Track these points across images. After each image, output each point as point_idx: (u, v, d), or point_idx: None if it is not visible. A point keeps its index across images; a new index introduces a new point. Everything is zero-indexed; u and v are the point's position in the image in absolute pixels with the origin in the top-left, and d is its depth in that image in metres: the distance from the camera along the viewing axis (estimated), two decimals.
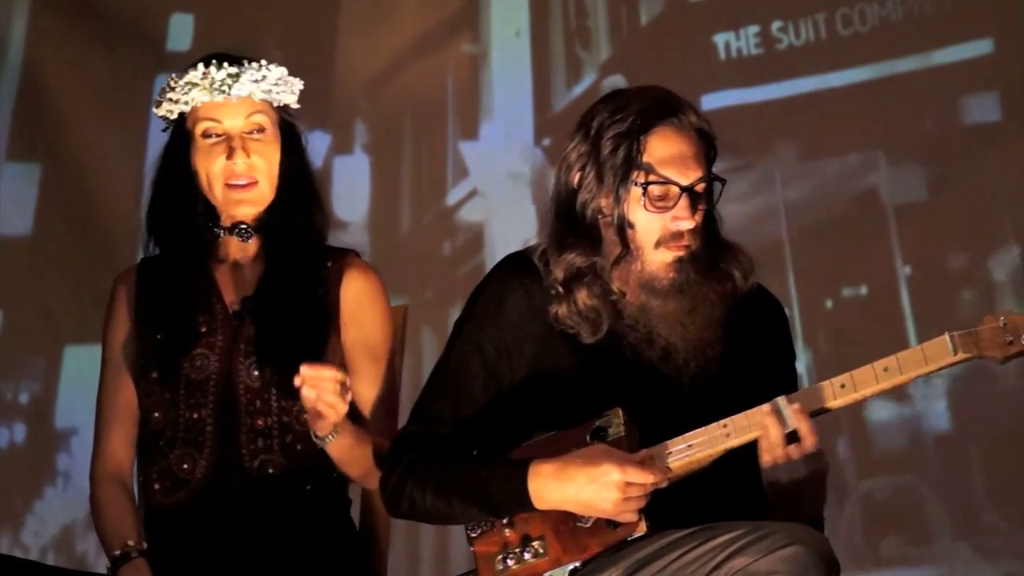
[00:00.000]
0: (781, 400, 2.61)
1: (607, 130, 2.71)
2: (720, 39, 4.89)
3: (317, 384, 2.81)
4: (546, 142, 5.02)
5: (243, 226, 3.12)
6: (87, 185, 5.05)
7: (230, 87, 3.09)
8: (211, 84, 3.09)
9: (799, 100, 4.83)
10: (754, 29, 4.87)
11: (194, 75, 3.10)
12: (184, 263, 3.11)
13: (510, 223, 4.97)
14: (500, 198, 5.04)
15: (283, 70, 3.14)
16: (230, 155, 3.07)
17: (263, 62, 3.13)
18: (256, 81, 3.10)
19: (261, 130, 3.11)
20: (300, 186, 3.14)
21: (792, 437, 2.59)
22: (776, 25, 4.85)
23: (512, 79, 5.09)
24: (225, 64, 3.10)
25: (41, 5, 5.16)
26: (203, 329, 3.07)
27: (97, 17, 5.12)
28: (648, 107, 2.71)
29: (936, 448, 4.60)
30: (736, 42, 4.88)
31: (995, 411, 4.57)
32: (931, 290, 4.66)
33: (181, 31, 5.17)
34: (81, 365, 4.87)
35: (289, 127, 3.16)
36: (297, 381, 2.82)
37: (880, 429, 4.51)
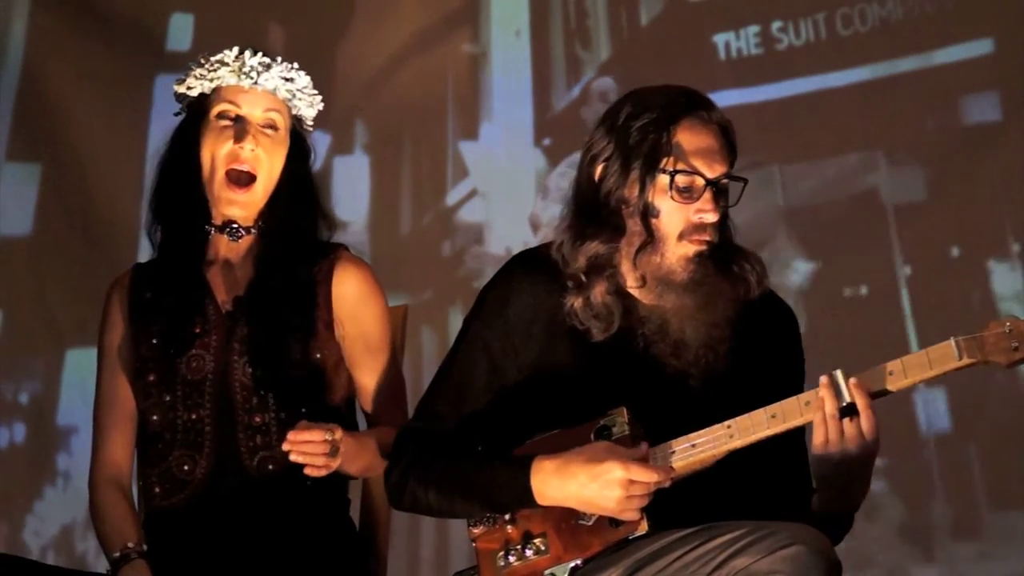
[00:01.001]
0: (838, 373, 2.59)
1: (634, 121, 2.72)
2: (720, 39, 4.90)
3: (304, 449, 2.85)
4: (546, 142, 5.02)
5: (234, 226, 3.12)
6: (87, 185, 5.06)
7: (259, 74, 3.12)
8: (241, 67, 3.12)
9: (799, 100, 4.83)
10: (754, 29, 4.87)
11: (227, 55, 3.14)
12: (177, 265, 3.12)
13: (510, 223, 4.97)
14: (500, 198, 5.04)
15: (307, 79, 3.17)
16: (239, 139, 3.09)
17: (295, 65, 3.16)
18: (285, 79, 3.14)
19: (274, 127, 3.13)
20: (298, 193, 3.14)
21: (847, 411, 2.58)
22: (776, 25, 4.86)
23: (512, 79, 5.09)
24: (260, 54, 3.14)
25: (41, 5, 5.16)
26: (197, 330, 3.07)
27: (97, 17, 5.12)
28: (675, 100, 2.73)
29: (936, 448, 4.60)
30: (736, 42, 4.88)
31: (995, 411, 4.57)
32: (931, 290, 4.66)
33: (181, 31, 5.17)
34: (81, 365, 4.87)
35: (299, 137, 3.18)
36: (285, 446, 2.85)
37: (880, 429, 4.50)
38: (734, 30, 4.89)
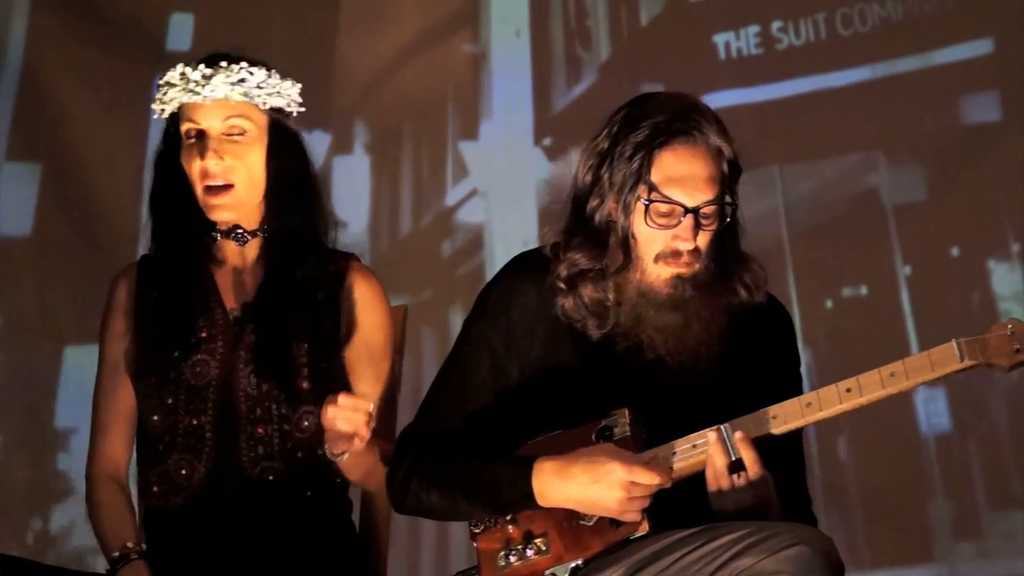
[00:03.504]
0: (726, 427, 2.60)
1: (628, 136, 2.68)
2: (720, 39, 4.90)
3: (352, 418, 2.77)
4: (546, 142, 5.03)
5: (239, 230, 3.11)
6: (87, 185, 5.05)
7: (202, 87, 3.06)
8: (186, 85, 3.07)
9: (799, 100, 4.83)
10: (754, 29, 4.87)
11: (172, 75, 3.08)
12: (184, 265, 3.10)
13: (510, 223, 4.98)
14: (500, 198, 5.04)
15: (264, 73, 3.10)
16: (202, 155, 3.04)
17: (243, 64, 3.08)
18: (233, 84, 3.06)
19: (241, 133, 3.07)
20: (291, 190, 3.09)
21: (736, 466, 2.59)
22: (776, 25, 4.86)
23: (512, 79, 5.09)
24: (202, 65, 3.07)
25: (41, 5, 5.15)
26: (203, 334, 3.05)
27: (97, 17, 5.12)
28: (667, 120, 2.67)
29: (936, 448, 4.60)
30: (736, 42, 4.88)
31: (995, 411, 4.58)
32: (931, 290, 4.66)
33: (181, 31, 5.17)
34: (81, 365, 4.87)
35: (280, 130, 3.11)
36: (331, 412, 2.77)
37: (880, 429, 4.51)
38: (734, 30, 4.89)
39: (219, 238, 3.11)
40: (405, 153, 5.16)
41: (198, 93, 3.06)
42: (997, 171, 4.65)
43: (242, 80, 3.07)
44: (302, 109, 3.16)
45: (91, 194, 5.05)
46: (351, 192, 5.09)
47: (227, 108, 3.07)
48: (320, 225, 3.13)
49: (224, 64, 3.08)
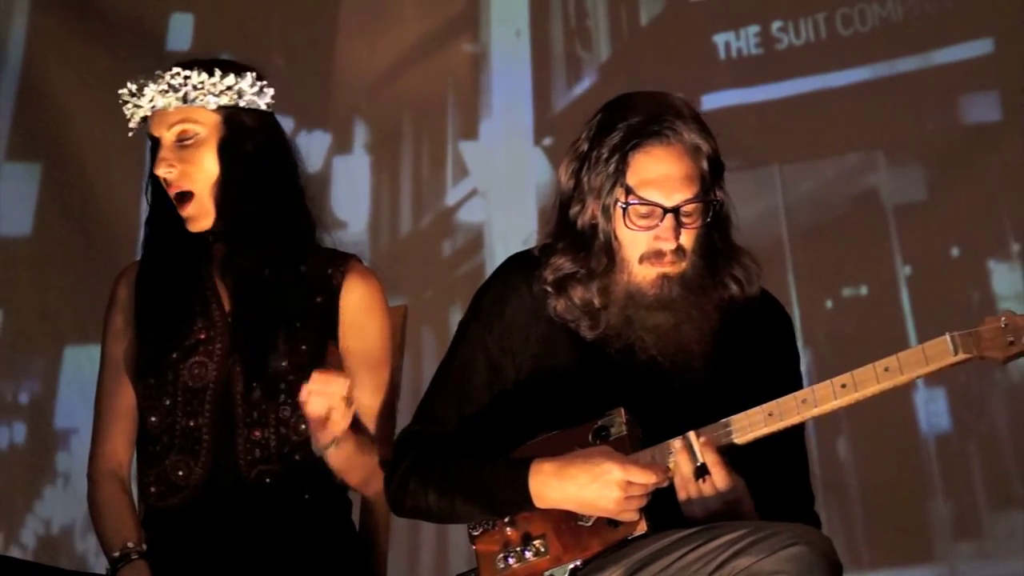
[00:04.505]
0: (691, 434, 2.61)
1: (604, 139, 2.69)
2: (720, 39, 4.90)
3: (326, 393, 2.79)
4: (546, 142, 5.03)
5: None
6: (87, 185, 5.05)
7: (140, 99, 3.07)
8: (129, 98, 3.09)
9: (799, 100, 4.83)
10: (754, 29, 4.87)
11: (123, 92, 3.10)
12: (183, 267, 3.09)
13: (510, 223, 4.98)
14: (500, 198, 5.04)
15: (202, 73, 3.07)
16: (157, 167, 3.06)
17: (175, 70, 3.07)
18: (164, 91, 3.06)
19: (191, 137, 3.06)
20: (241, 183, 3.05)
21: (701, 471, 2.59)
22: (776, 25, 4.86)
23: (512, 79, 5.09)
24: (140, 79, 3.09)
25: (41, 5, 5.16)
26: (202, 336, 3.05)
27: (97, 17, 5.12)
28: (640, 122, 2.67)
29: (936, 448, 4.60)
30: (736, 42, 4.88)
31: (995, 411, 4.58)
32: (931, 290, 4.66)
33: (181, 31, 5.17)
34: (81, 365, 4.87)
35: (232, 125, 3.07)
36: (304, 393, 2.79)
37: (880, 429, 4.51)
38: (734, 30, 4.89)
39: (214, 242, 3.11)
40: (405, 153, 5.16)
41: (140, 106, 3.08)
42: (997, 171, 4.65)
43: (178, 86, 3.06)
44: (268, 99, 3.12)
45: (91, 194, 5.05)
46: (351, 192, 5.09)
47: (171, 115, 3.06)
48: (282, 217, 3.08)
49: (158, 72, 3.08)
